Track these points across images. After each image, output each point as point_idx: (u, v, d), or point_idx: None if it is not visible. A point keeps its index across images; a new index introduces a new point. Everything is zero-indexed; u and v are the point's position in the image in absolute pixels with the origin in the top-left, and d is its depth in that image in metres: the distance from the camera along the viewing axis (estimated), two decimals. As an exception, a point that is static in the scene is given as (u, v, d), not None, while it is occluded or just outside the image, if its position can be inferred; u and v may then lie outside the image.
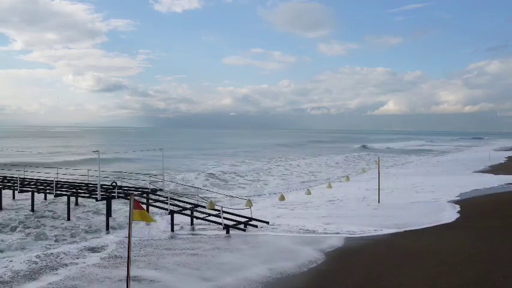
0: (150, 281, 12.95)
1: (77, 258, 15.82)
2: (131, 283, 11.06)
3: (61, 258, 15.71)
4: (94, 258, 15.83)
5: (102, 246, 17.72)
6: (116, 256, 16.04)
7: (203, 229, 20.81)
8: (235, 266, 14.42)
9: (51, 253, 16.49)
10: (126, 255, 11.06)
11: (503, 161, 63.87)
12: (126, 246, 13.37)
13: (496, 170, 49.46)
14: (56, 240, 19.12)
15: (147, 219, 10.55)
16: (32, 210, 24.55)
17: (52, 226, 22.07)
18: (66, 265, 14.91)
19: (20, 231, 20.84)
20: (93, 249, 17.16)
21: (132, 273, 11.19)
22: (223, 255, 15.95)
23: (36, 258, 15.65)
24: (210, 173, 47.09)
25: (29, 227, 21.50)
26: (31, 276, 13.68)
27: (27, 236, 19.88)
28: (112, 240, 18.65)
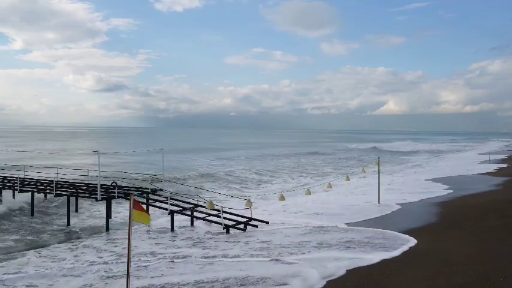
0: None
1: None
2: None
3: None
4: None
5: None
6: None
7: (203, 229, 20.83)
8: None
9: (47, 255, 16.52)
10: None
11: (501, 162, 63.87)
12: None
13: (495, 170, 49.49)
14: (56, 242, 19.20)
15: (145, 220, 10.30)
16: (32, 214, 24.47)
17: (51, 228, 22.15)
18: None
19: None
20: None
21: None
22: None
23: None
24: (210, 173, 47.09)
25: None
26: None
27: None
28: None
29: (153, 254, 16.42)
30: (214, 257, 15.77)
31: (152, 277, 13.33)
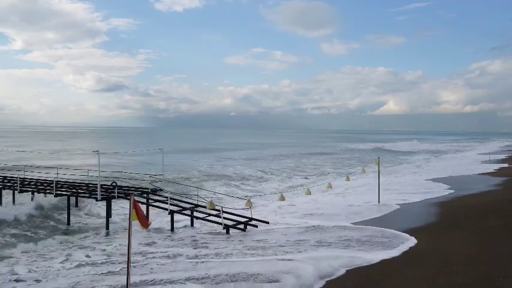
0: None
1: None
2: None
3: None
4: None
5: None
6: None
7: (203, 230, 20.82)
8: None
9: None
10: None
11: (502, 162, 63.87)
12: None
13: (496, 170, 49.48)
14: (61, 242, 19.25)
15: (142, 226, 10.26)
16: (32, 213, 24.52)
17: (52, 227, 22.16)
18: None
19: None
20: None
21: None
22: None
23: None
24: (210, 173, 47.09)
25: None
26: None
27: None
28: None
29: (150, 253, 16.41)
30: (207, 255, 15.80)
31: (141, 274, 13.38)
